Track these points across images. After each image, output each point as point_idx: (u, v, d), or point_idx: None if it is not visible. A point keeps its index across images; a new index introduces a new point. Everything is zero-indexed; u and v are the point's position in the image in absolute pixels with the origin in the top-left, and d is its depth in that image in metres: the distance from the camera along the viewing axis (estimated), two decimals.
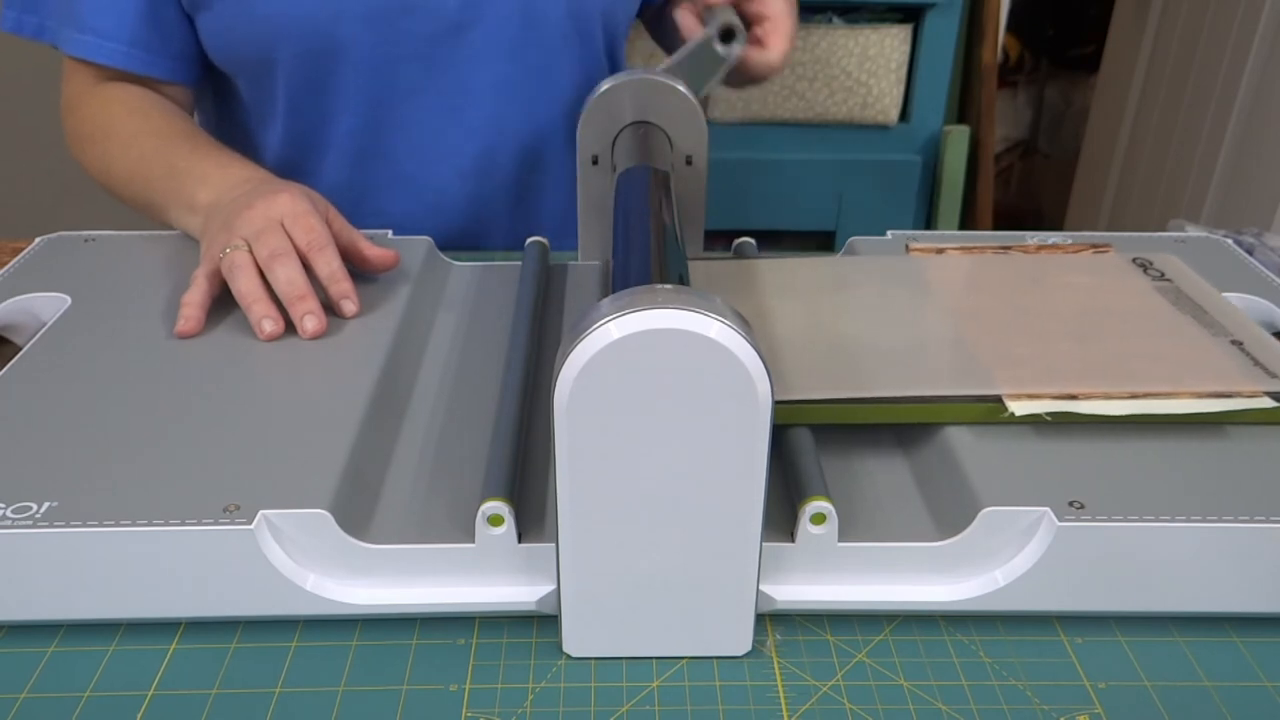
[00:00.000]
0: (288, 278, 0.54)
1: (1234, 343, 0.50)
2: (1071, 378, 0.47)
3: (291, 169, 0.76)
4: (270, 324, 0.53)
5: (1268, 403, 0.45)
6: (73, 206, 1.89)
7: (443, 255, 0.65)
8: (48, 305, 0.57)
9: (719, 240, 0.70)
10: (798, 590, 0.41)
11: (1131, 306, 0.54)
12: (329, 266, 0.56)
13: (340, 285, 0.55)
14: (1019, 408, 0.45)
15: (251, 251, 0.55)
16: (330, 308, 0.55)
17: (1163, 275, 0.57)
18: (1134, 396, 0.46)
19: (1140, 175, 1.77)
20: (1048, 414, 0.45)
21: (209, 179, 0.63)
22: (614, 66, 0.83)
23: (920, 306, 0.54)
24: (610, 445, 0.35)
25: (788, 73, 1.48)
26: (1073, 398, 0.45)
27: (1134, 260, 0.59)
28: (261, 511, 0.39)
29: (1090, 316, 0.53)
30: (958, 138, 1.57)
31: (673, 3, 0.79)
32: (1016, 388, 0.46)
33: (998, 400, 0.45)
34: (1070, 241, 0.63)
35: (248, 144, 0.78)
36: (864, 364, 0.49)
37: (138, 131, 0.69)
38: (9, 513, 0.39)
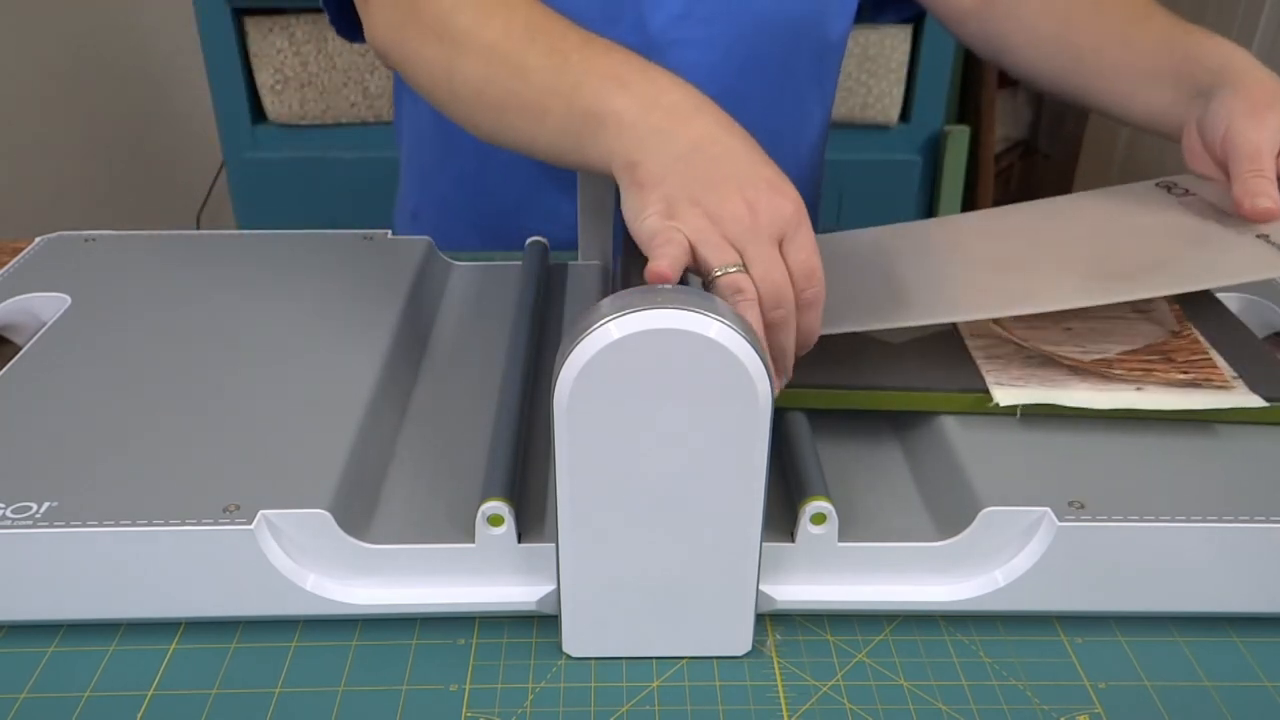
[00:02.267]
0: (781, 347, 0.43)
1: (1260, 236, 0.51)
2: (1067, 288, 0.49)
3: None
4: None
5: (1259, 402, 0.45)
6: (73, 206, 1.89)
7: (443, 255, 0.65)
8: (48, 305, 0.57)
9: None
10: (798, 590, 0.41)
11: (1149, 219, 0.55)
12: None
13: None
14: (1003, 396, 0.45)
15: (750, 276, 0.41)
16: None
17: (1187, 191, 0.58)
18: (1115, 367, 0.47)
19: (1140, 175, 1.76)
20: (1026, 405, 0.45)
21: (626, 81, 0.46)
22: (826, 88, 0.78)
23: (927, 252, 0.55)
24: (610, 445, 0.35)
25: None
26: (1054, 357, 0.47)
27: (1157, 183, 0.60)
28: (261, 511, 0.39)
29: (1102, 232, 0.54)
30: (958, 138, 1.57)
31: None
32: (999, 371, 0.47)
33: (984, 391, 0.46)
34: None
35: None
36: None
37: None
38: (9, 513, 0.39)
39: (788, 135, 0.77)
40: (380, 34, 0.57)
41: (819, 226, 0.87)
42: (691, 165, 0.44)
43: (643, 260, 0.41)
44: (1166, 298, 0.55)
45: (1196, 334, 0.51)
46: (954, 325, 0.51)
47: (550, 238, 0.68)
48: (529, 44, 0.49)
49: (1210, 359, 0.49)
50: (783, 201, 0.43)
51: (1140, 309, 0.53)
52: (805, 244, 0.43)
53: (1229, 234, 0.52)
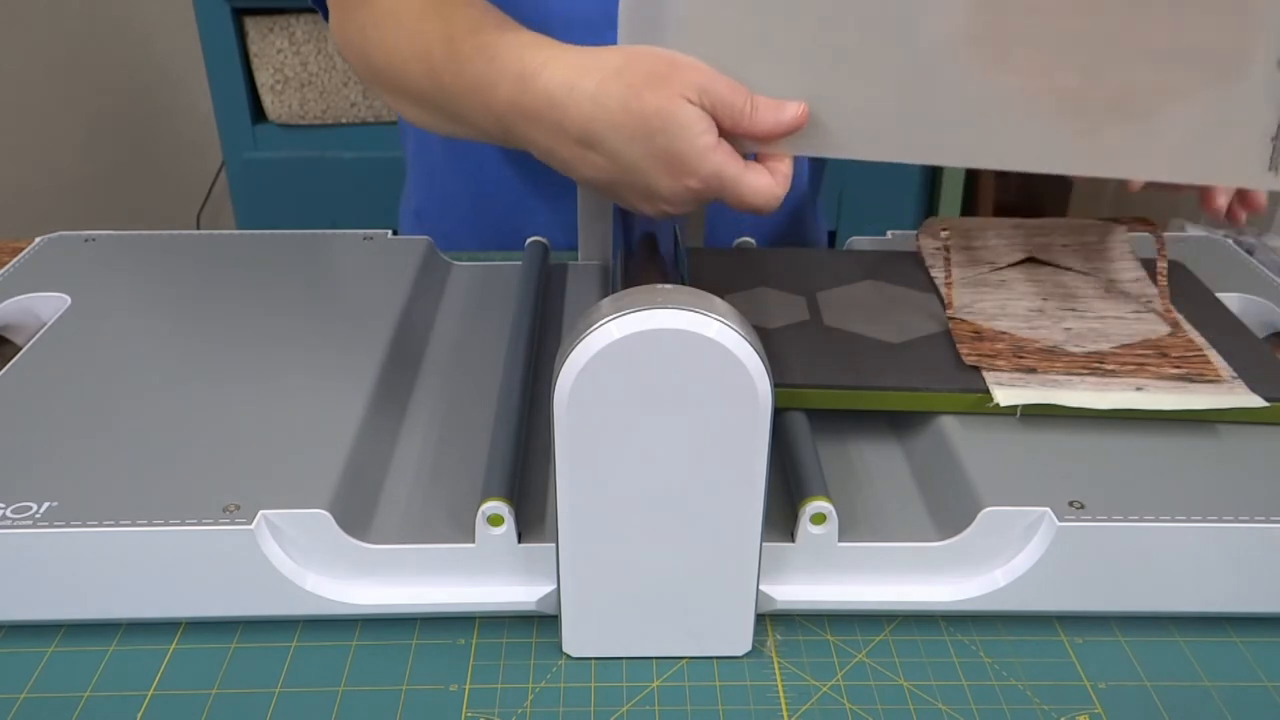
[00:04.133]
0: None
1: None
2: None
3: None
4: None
5: (1259, 402, 0.45)
6: (73, 206, 1.89)
7: (443, 255, 0.65)
8: (48, 305, 0.57)
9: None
10: (798, 590, 0.41)
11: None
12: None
13: None
14: (1003, 396, 0.45)
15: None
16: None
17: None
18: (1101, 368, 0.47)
19: None
20: (1026, 405, 0.45)
21: (554, 53, 0.48)
22: None
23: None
24: (610, 445, 0.35)
25: None
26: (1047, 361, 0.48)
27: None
28: (261, 511, 0.39)
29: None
30: None
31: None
32: (996, 372, 0.47)
33: (984, 391, 0.46)
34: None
35: None
36: (859, 356, 0.49)
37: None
38: (9, 513, 0.39)
39: None
40: (345, 53, 0.62)
41: (818, 229, 0.87)
42: (605, 189, 0.48)
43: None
44: (1163, 298, 0.55)
45: (1192, 333, 0.51)
46: (949, 332, 0.51)
47: (552, 239, 0.68)
48: (439, 83, 0.53)
49: (1205, 355, 0.49)
50: (686, 189, 0.45)
51: (1138, 309, 0.53)
52: (733, 196, 0.45)
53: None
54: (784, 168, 0.46)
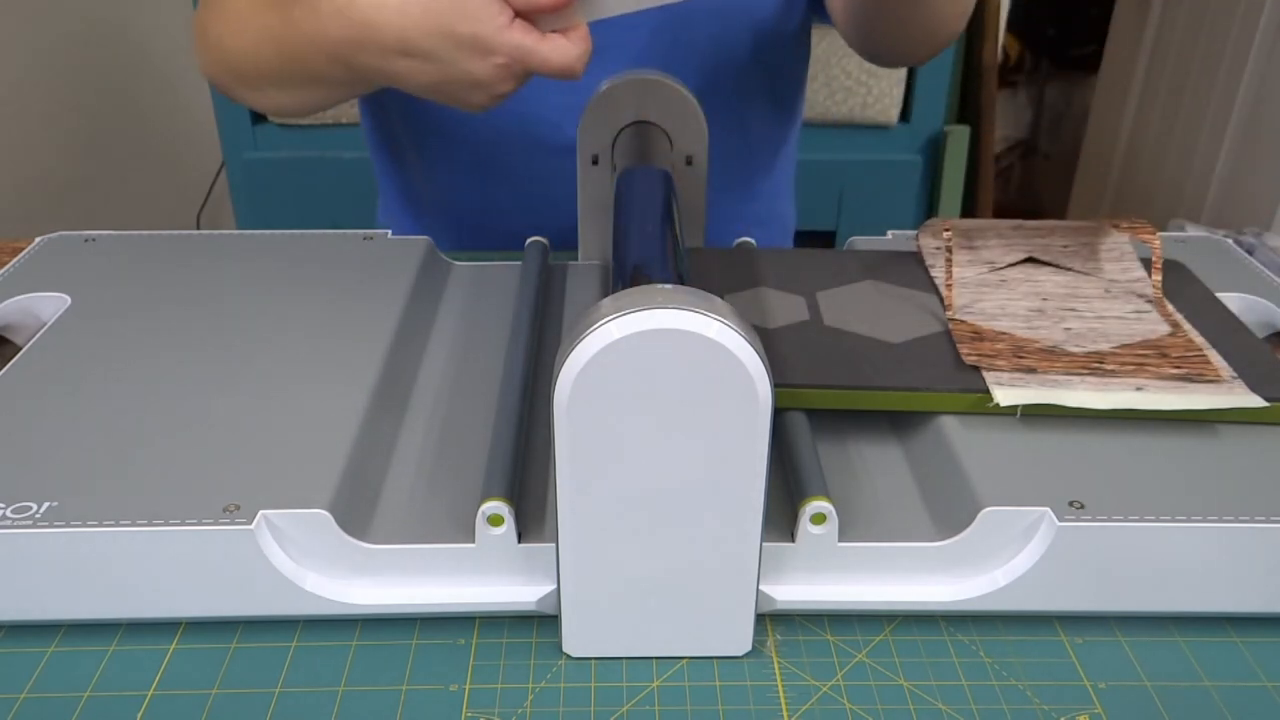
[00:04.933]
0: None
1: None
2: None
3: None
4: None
5: (1259, 402, 0.45)
6: (73, 206, 1.89)
7: (443, 255, 0.65)
8: (48, 305, 0.57)
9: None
10: (798, 590, 0.41)
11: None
12: None
13: None
14: (1003, 396, 0.45)
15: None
16: None
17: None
18: (1101, 368, 0.47)
19: (1140, 175, 1.77)
20: (1026, 405, 0.45)
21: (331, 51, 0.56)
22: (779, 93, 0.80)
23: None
24: (610, 445, 0.35)
25: None
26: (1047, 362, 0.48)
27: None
28: (261, 511, 0.39)
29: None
30: (958, 138, 1.57)
31: None
32: (995, 371, 0.47)
33: (984, 391, 0.46)
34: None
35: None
36: (859, 357, 0.49)
37: None
38: (9, 513, 0.39)
39: (727, 117, 0.77)
40: (202, 71, 0.69)
41: (817, 225, 0.86)
42: (439, 93, 0.53)
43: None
44: (1161, 301, 0.55)
45: (1192, 333, 0.51)
46: (949, 332, 0.51)
47: (519, 241, 0.70)
48: (288, 51, 0.59)
49: (1205, 355, 0.49)
50: (495, 67, 0.51)
51: (1138, 309, 0.53)
52: (539, 64, 0.50)
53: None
54: (580, 32, 0.52)
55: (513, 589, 0.41)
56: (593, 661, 0.40)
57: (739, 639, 0.40)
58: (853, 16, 0.72)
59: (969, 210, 1.67)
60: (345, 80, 0.58)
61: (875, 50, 0.74)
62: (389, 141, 0.83)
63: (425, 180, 0.81)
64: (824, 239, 1.62)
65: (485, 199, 0.79)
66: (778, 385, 0.44)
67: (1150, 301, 0.54)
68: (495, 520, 0.39)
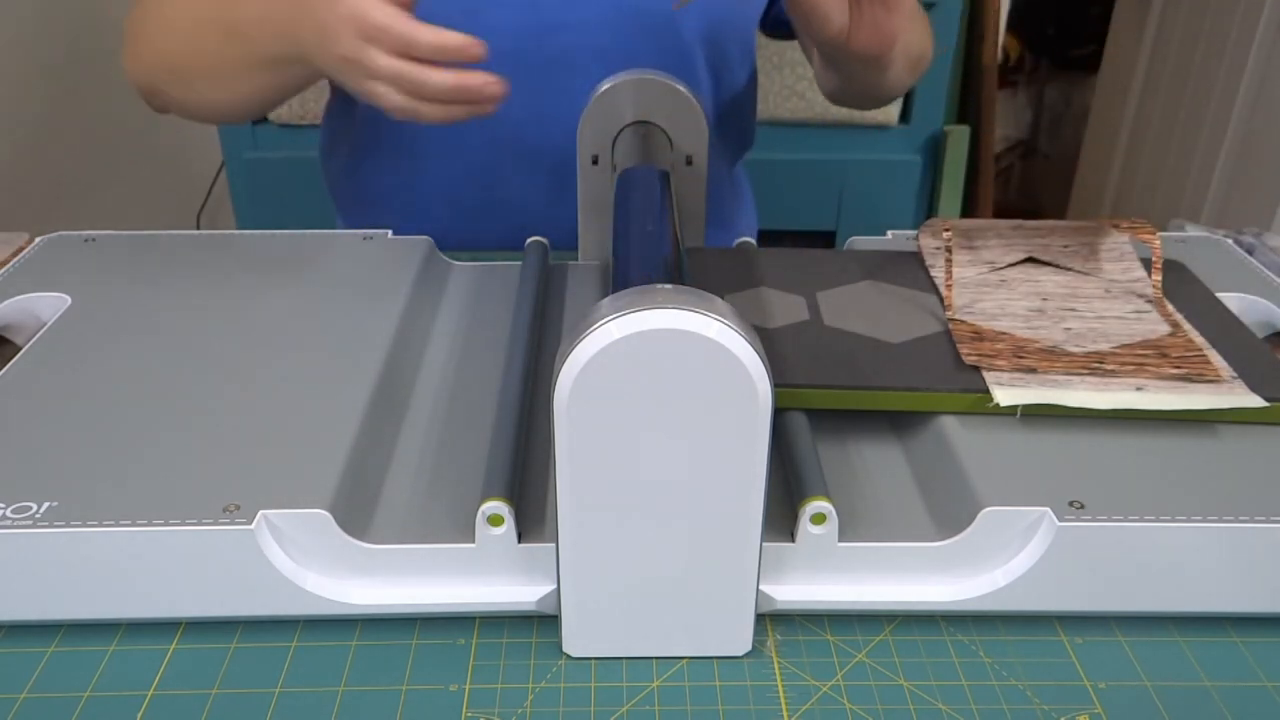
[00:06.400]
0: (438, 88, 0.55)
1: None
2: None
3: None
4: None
5: (1259, 402, 0.45)
6: (73, 206, 1.89)
7: (443, 255, 0.65)
8: (48, 305, 0.57)
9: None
10: (798, 590, 0.41)
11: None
12: None
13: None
14: (1004, 396, 0.45)
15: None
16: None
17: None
18: (1100, 367, 0.47)
19: (1140, 175, 1.77)
20: (1026, 405, 0.45)
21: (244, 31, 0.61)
22: (723, 85, 0.81)
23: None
24: (610, 445, 0.35)
25: (787, 72, 1.48)
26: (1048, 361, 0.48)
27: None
28: (261, 511, 0.39)
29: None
30: (958, 138, 1.57)
31: None
32: (995, 371, 0.47)
33: (984, 391, 0.46)
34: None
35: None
36: (859, 358, 0.49)
37: None
38: (9, 513, 0.39)
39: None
40: (131, 79, 0.71)
41: (816, 225, 0.87)
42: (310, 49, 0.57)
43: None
44: (1161, 301, 0.55)
45: (1192, 333, 0.51)
46: (949, 332, 0.51)
47: (496, 243, 0.70)
48: (201, 35, 0.64)
49: (1205, 355, 0.49)
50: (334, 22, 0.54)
51: (1138, 309, 0.53)
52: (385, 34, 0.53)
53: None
54: None
55: (513, 589, 0.41)
56: (593, 661, 0.40)
57: (739, 639, 0.40)
58: (818, 69, 0.77)
59: (969, 210, 1.67)
60: (287, 58, 0.60)
61: (835, 98, 0.79)
62: (374, 142, 0.83)
63: (413, 180, 0.81)
64: (824, 239, 1.62)
65: (483, 198, 0.80)
66: (778, 385, 0.44)
67: (1150, 301, 0.54)
68: (495, 520, 0.39)
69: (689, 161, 0.63)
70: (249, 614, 0.41)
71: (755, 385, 0.34)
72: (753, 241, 0.65)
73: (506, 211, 0.78)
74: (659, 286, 0.35)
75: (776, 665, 0.40)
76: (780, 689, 0.39)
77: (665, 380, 0.34)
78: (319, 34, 0.56)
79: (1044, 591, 0.40)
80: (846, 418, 0.49)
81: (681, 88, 0.62)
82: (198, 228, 1.92)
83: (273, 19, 0.59)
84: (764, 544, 0.38)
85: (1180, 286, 0.57)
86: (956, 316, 0.52)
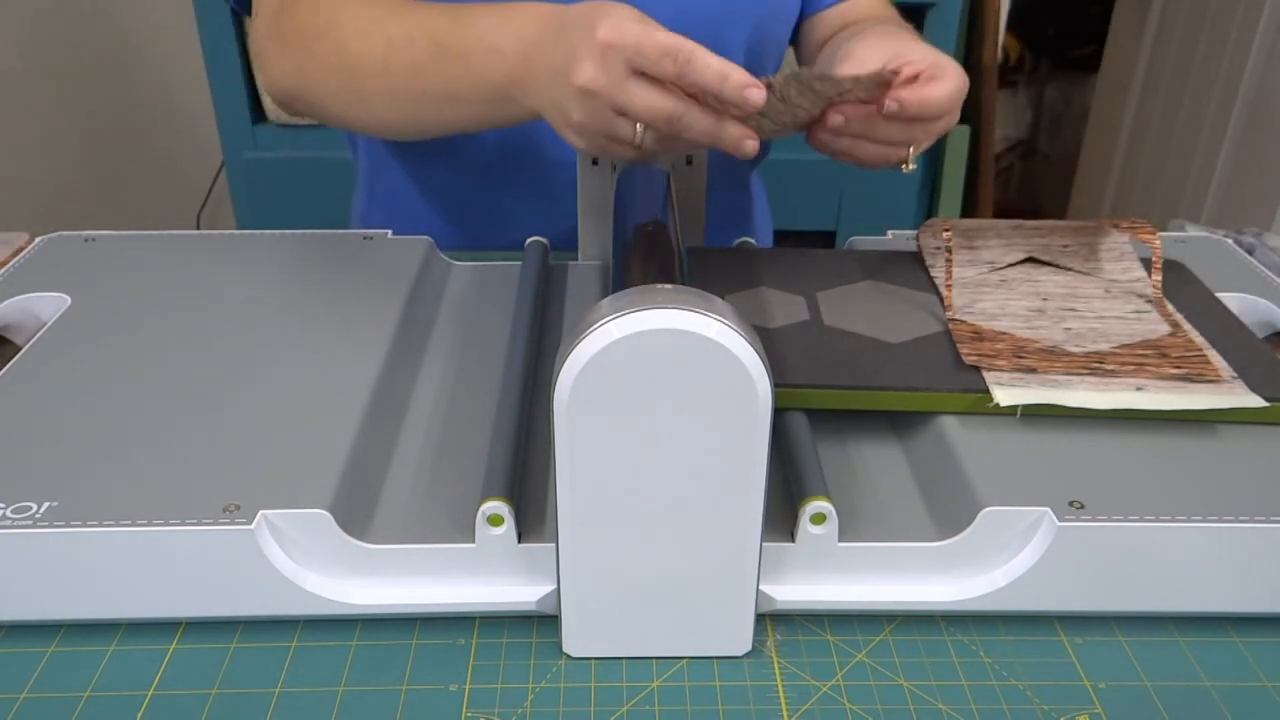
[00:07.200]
0: (708, 134, 0.51)
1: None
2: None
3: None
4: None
5: (1259, 402, 0.45)
6: (73, 206, 1.89)
7: (443, 255, 0.65)
8: (48, 305, 0.57)
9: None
10: (798, 590, 0.41)
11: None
12: None
13: None
14: (1004, 396, 0.45)
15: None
16: None
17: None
18: (1100, 366, 0.47)
19: (1140, 175, 1.77)
20: (1026, 405, 0.45)
21: (498, 48, 0.53)
22: None
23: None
24: (610, 445, 0.35)
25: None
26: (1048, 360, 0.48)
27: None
28: (261, 511, 0.39)
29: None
30: (958, 138, 1.57)
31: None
32: (996, 371, 0.47)
33: (984, 391, 0.46)
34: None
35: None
36: (860, 358, 0.49)
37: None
38: (9, 513, 0.39)
39: None
40: (281, 83, 0.63)
41: (816, 225, 0.87)
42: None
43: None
44: (1161, 301, 0.55)
45: (1192, 333, 0.51)
46: (949, 332, 0.51)
47: (508, 242, 0.70)
48: (412, 48, 0.56)
49: (1205, 355, 0.49)
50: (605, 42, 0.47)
51: (1138, 309, 0.53)
52: (647, 59, 0.47)
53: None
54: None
55: (513, 589, 0.41)
56: (593, 661, 0.40)
57: (739, 639, 0.40)
58: None
59: (969, 210, 1.67)
60: (503, 97, 0.54)
61: None
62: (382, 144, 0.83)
63: (426, 178, 0.81)
64: (824, 239, 1.62)
65: (491, 200, 0.80)
66: (778, 385, 0.44)
67: (1150, 301, 0.54)
68: (495, 520, 0.39)
69: (689, 161, 0.63)
70: (249, 614, 0.41)
71: (755, 385, 0.34)
72: (753, 241, 0.65)
73: (509, 216, 0.78)
74: (659, 286, 0.35)
75: (776, 665, 0.40)
76: (780, 689, 0.39)
77: (665, 380, 0.34)
78: (567, 58, 0.49)
79: (1044, 591, 0.40)
80: (846, 418, 0.49)
81: None
82: (198, 228, 1.92)
83: (503, 49, 0.53)
84: (764, 544, 0.38)
85: (1180, 286, 0.57)
86: (956, 316, 0.52)
